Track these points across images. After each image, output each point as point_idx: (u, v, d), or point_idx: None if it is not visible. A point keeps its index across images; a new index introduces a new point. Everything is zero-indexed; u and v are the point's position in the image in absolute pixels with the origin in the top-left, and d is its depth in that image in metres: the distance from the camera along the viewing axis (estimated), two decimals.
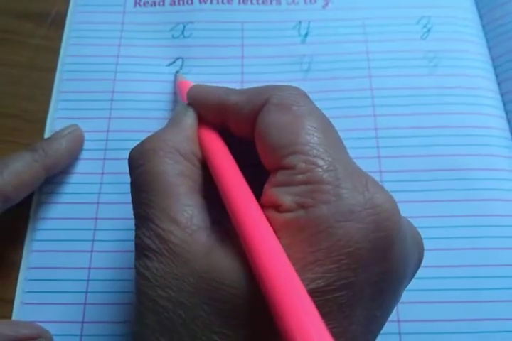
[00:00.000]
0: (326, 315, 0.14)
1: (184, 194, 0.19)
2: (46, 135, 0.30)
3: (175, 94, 0.31)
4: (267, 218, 0.17)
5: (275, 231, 0.17)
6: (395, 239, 0.17)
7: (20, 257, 0.27)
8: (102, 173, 0.29)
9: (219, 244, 0.18)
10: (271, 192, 0.18)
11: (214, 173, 0.20)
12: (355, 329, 0.16)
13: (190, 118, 0.23)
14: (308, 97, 0.21)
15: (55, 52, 0.33)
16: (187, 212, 0.18)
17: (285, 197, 0.17)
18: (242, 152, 0.21)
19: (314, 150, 0.18)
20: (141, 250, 0.18)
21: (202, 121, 0.23)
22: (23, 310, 0.26)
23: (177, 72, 0.32)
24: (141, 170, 0.20)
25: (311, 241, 0.16)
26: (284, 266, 0.15)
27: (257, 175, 0.20)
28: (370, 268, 0.16)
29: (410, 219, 0.27)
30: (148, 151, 0.20)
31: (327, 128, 0.19)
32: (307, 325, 0.13)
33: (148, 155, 0.20)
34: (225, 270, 0.16)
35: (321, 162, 0.17)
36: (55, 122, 0.30)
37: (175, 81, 0.31)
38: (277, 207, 0.17)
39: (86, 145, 0.30)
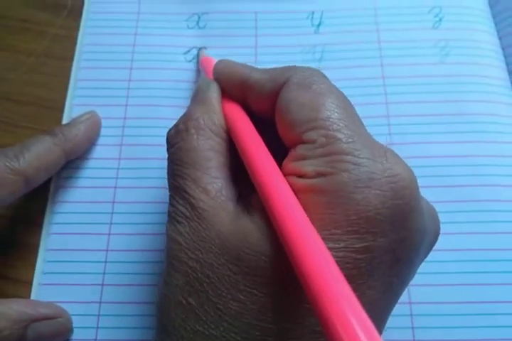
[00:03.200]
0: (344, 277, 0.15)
1: (214, 168, 0.20)
2: (64, 122, 0.31)
3: (197, 71, 0.32)
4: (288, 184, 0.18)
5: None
6: (412, 207, 0.17)
7: (39, 240, 0.28)
8: (119, 159, 0.30)
9: (245, 213, 0.18)
10: (293, 165, 0.19)
11: (239, 145, 0.21)
12: (373, 294, 0.17)
13: (214, 93, 0.23)
14: (327, 77, 0.21)
15: (72, 41, 0.33)
16: (216, 184, 0.19)
17: (307, 167, 0.18)
18: (259, 130, 0.22)
19: (334, 125, 0.18)
20: (174, 217, 0.19)
21: (225, 95, 0.24)
22: (41, 290, 0.27)
23: (200, 48, 0.33)
24: (176, 147, 0.21)
25: (330, 204, 0.17)
26: (307, 229, 0.15)
27: (273, 154, 0.20)
28: (388, 234, 0.17)
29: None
30: (181, 130, 0.21)
31: (346, 105, 0.20)
32: (332, 285, 0.13)
33: (181, 134, 0.21)
34: (251, 233, 0.17)
35: (340, 135, 0.18)
36: (72, 109, 0.31)
37: (198, 57, 0.32)
38: (299, 176, 0.18)
39: (103, 131, 0.30)
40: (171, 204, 0.20)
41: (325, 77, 0.21)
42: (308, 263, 0.14)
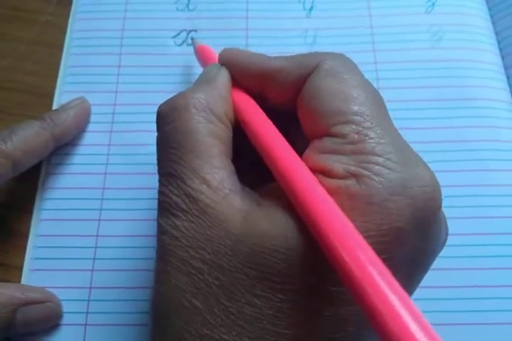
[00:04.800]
0: None
1: (216, 156, 0.18)
2: (53, 108, 0.31)
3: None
4: None
5: None
6: (436, 219, 0.17)
7: (29, 226, 0.28)
8: (109, 145, 0.30)
9: (255, 208, 0.17)
10: (318, 157, 0.17)
11: (256, 136, 0.19)
12: None
13: (224, 78, 0.21)
14: (358, 67, 0.20)
15: (62, 29, 0.33)
16: (218, 174, 0.18)
17: (335, 164, 0.17)
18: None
19: (367, 123, 0.17)
20: (168, 208, 0.18)
21: (235, 85, 0.22)
22: (31, 276, 0.27)
23: (192, 38, 0.31)
24: (172, 127, 0.19)
25: (362, 211, 0.16)
26: (343, 220, 0.15)
27: None
28: (412, 244, 0.16)
29: None
30: (179, 107, 0.19)
31: (379, 101, 0.19)
32: (377, 279, 0.13)
33: (179, 112, 0.19)
34: (266, 234, 0.16)
35: (373, 134, 0.17)
36: (62, 96, 0.31)
37: (194, 46, 0.30)
38: (326, 173, 0.17)
39: (93, 118, 0.30)
40: (161, 192, 0.18)
41: (357, 67, 0.20)
42: (357, 269, 0.13)
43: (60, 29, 0.33)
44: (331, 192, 0.16)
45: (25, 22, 0.33)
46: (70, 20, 0.33)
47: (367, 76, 0.30)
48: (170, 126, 0.19)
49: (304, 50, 0.32)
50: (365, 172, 0.16)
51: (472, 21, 0.32)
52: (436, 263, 0.26)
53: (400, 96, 0.30)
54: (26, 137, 0.26)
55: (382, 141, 0.17)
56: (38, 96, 0.31)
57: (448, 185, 0.28)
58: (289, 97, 0.20)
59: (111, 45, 0.32)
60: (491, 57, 0.31)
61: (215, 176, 0.17)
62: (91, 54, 0.32)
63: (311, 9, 0.33)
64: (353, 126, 0.17)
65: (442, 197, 0.17)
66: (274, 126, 0.19)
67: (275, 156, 0.17)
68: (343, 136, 0.17)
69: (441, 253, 0.26)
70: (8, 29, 0.33)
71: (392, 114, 0.29)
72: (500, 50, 0.32)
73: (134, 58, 0.32)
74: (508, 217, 0.27)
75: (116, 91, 0.31)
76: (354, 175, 0.16)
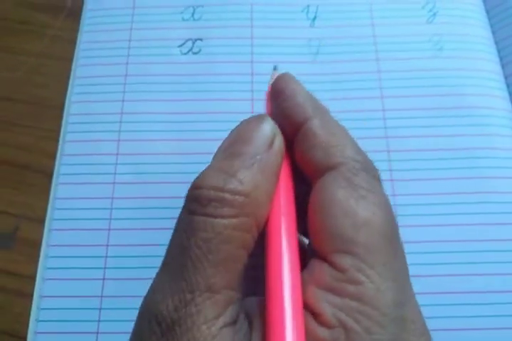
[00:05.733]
0: None
1: (234, 276, 0.16)
2: (64, 119, 0.31)
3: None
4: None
5: None
6: None
7: (42, 236, 0.28)
8: (117, 154, 0.30)
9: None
10: (314, 293, 0.16)
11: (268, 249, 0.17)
12: None
13: (279, 160, 0.18)
14: (380, 180, 0.18)
15: (71, 42, 0.34)
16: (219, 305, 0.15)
17: (327, 308, 0.15)
18: None
19: (373, 259, 0.16)
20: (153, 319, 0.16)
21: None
22: (44, 285, 0.27)
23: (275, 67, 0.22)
24: (208, 222, 0.16)
25: None
26: None
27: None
28: None
29: (418, 196, 0.28)
30: (222, 200, 0.16)
31: (392, 229, 0.17)
32: None
33: (215, 207, 0.16)
34: None
35: (375, 277, 0.15)
36: (72, 106, 0.31)
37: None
38: (316, 316, 0.15)
39: (100, 127, 0.31)
40: (167, 253, 0.17)
41: (379, 178, 0.18)
42: None
43: (68, 42, 0.34)
44: None
45: (33, 35, 0.34)
46: (80, 32, 0.34)
47: (370, 85, 0.32)
48: (205, 221, 0.16)
49: (309, 58, 0.32)
50: (355, 326, 0.15)
51: (473, 31, 0.33)
52: (443, 269, 0.27)
53: (402, 105, 0.31)
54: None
55: (384, 287, 0.15)
56: (48, 108, 0.32)
57: (446, 193, 0.29)
58: (302, 170, 0.19)
59: (118, 56, 0.32)
60: (491, 66, 0.32)
61: (216, 306, 0.15)
62: (98, 64, 0.32)
63: (314, 19, 0.33)
64: (356, 261, 0.15)
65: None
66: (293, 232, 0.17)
67: (275, 288, 0.16)
68: (343, 270, 0.16)
69: (448, 260, 0.27)
70: (17, 42, 0.34)
71: (394, 123, 0.30)
72: (501, 58, 0.33)
73: (140, 67, 0.32)
74: (507, 223, 0.28)
75: (123, 100, 0.31)
76: (344, 326, 0.15)
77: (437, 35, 0.33)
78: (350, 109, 0.31)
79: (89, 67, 0.32)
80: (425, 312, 0.25)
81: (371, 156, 0.28)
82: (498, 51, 0.33)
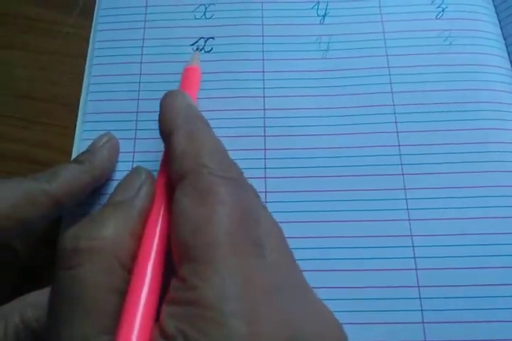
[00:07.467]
0: None
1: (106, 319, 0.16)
2: (79, 118, 0.32)
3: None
4: None
5: None
6: None
7: None
8: (134, 152, 0.31)
9: None
10: (163, 310, 0.16)
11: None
12: None
13: (141, 201, 0.19)
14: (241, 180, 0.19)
15: (84, 39, 0.34)
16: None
17: (169, 319, 0.15)
18: None
19: (213, 262, 0.16)
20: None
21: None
22: None
23: (197, 49, 0.33)
24: (69, 275, 0.16)
25: None
26: None
27: None
28: None
29: (427, 190, 0.29)
30: (82, 252, 0.17)
31: (244, 227, 0.17)
32: None
33: (80, 257, 0.17)
34: None
35: (214, 279, 0.15)
36: (87, 104, 0.32)
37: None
38: (161, 331, 0.15)
39: (117, 125, 0.31)
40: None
41: (238, 180, 0.19)
42: None
43: (82, 39, 0.34)
44: None
45: (47, 33, 0.34)
46: (92, 31, 0.34)
47: (380, 80, 0.32)
48: (66, 274, 0.17)
49: (319, 55, 0.33)
50: (192, 331, 0.14)
51: (481, 26, 0.33)
52: (447, 262, 0.27)
53: (413, 100, 0.31)
54: (69, 179, 0.26)
55: (218, 284, 0.15)
56: (63, 106, 0.32)
57: (453, 187, 0.29)
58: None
59: (132, 54, 0.33)
60: (499, 61, 0.33)
61: None
62: (113, 63, 0.33)
63: (324, 16, 0.34)
64: (194, 266, 0.16)
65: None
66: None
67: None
68: (183, 279, 0.16)
69: (453, 253, 0.27)
70: (31, 40, 0.34)
71: (405, 117, 0.31)
72: (509, 54, 0.33)
73: (154, 66, 0.33)
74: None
75: (139, 99, 0.32)
76: (183, 334, 0.14)
77: (446, 30, 0.33)
78: (361, 105, 0.31)
79: (104, 65, 0.33)
80: (430, 305, 0.26)
81: (382, 151, 0.29)
82: (507, 46, 0.33)
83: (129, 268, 0.17)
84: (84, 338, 0.15)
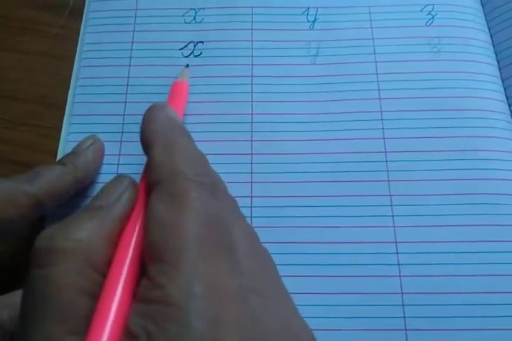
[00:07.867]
0: None
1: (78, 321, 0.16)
2: (65, 119, 0.32)
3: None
4: None
5: None
6: None
7: None
8: (119, 155, 0.30)
9: None
10: (131, 309, 0.16)
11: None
12: None
13: (122, 206, 0.20)
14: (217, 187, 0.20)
15: (73, 41, 0.34)
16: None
17: (135, 318, 0.15)
18: None
19: (181, 263, 0.16)
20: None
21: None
22: None
23: (187, 65, 0.32)
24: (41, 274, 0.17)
25: None
26: None
27: None
28: None
29: (413, 197, 0.28)
30: (54, 250, 0.17)
31: (214, 231, 0.17)
32: None
33: (52, 257, 0.17)
34: None
35: (181, 278, 0.15)
36: (73, 107, 0.32)
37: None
38: (128, 330, 0.15)
39: (103, 128, 0.31)
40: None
41: (214, 187, 0.19)
42: None
43: (70, 41, 0.34)
44: None
45: (36, 34, 0.34)
46: (81, 33, 0.34)
47: (369, 87, 0.32)
48: (39, 273, 0.17)
49: (308, 60, 0.33)
50: (155, 329, 0.14)
51: (471, 34, 0.33)
52: (432, 270, 0.27)
53: (400, 107, 0.31)
54: (50, 180, 0.26)
55: (184, 282, 0.15)
56: (49, 107, 0.32)
57: (447, 194, 0.29)
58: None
59: (120, 57, 0.33)
60: (489, 68, 0.33)
61: None
62: (101, 66, 0.33)
63: (314, 21, 0.34)
64: (163, 266, 0.16)
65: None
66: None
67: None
68: (151, 278, 0.16)
69: (439, 261, 0.27)
70: (19, 41, 0.34)
71: (393, 124, 0.31)
72: (498, 62, 0.33)
73: (142, 69, 0.33)
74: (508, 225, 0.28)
75: (126, 102, 0.32)
76: (147, 333, 0.15)
77: (436, 37, 0.33)
78: (348, 111, 0.31)
79: (92, 68, 0.33)
80: (413, 312, 0.26)
81: (368, 157, 0.29)
82: (496, 54, 0.33)
83: (103, 271, 0.17)
84: (49, 338, 0.15)
